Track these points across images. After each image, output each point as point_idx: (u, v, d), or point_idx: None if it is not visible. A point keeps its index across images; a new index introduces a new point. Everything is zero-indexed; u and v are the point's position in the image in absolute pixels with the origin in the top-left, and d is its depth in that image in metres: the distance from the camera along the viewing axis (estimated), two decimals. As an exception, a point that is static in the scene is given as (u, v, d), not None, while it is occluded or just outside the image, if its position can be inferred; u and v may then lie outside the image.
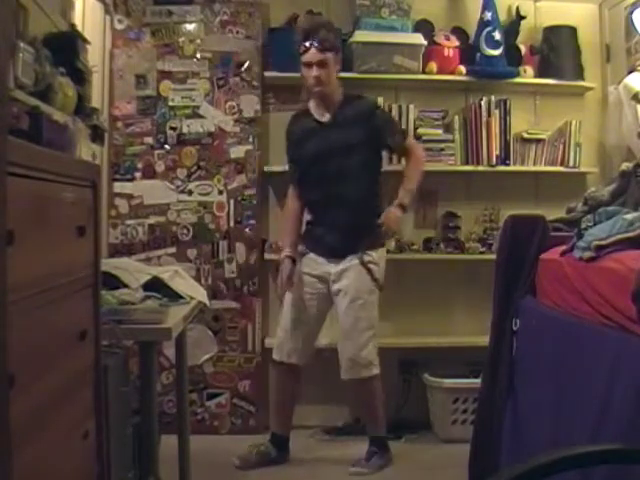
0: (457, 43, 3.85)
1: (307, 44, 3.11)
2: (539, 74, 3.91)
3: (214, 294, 3.64)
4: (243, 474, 3.23)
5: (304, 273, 3.29)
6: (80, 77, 2.44)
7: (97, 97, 3.15)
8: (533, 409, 2.31)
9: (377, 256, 3.25)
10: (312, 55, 3.12)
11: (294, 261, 3.28)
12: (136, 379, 2.22)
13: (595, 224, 2.22)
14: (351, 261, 3.21)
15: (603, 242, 2.03)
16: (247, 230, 3.75)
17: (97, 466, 1.72)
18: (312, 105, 3.32)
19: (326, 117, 3.26)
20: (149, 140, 3.73)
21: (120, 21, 3.70)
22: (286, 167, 3.49)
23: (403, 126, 3.76)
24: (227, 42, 3.75)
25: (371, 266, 3.20)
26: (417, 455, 3.46)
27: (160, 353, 3.51)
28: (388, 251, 3.77)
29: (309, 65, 3.14)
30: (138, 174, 3.72)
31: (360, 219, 3.21)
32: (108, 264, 2.33)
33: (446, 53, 3.82)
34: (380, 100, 3.77)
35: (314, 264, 3.28)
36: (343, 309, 3.22)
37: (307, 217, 3.42)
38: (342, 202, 3.19)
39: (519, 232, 2.51)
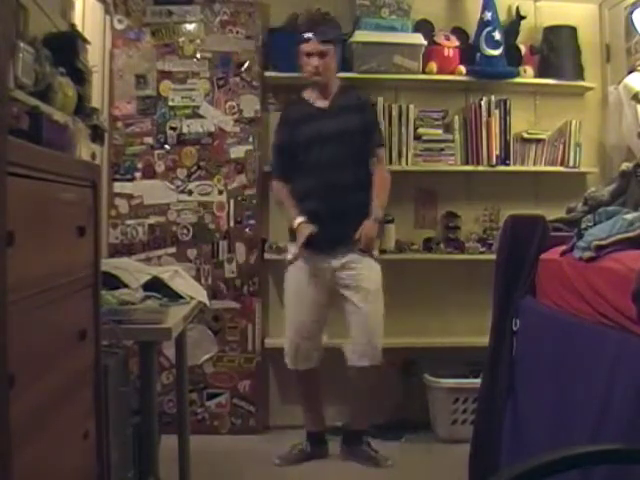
0: (457, 43, 3.85)
1: (309, 35, 3.22)
2: (539, 74, 3.91)
3: (214, 294, 3.64)
4: (243, 474, 3.23)
5: (306, 276, 3.28)
6: (80, 77, 2.44)
7: (97, 97, 3.15)
8: (533, 409, 2.31)
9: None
10: (313, 46, 3.23)
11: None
12: (136, 379, 2.22)
13: (595, 224, 2.21)
14: (352, 252, 3.25)
15: (603, 242, 2.03)
16: (247, 230, 3.75)
17: (97, 466, 1.72)
18: (307, 93, 3.39)
19: (324, 104, 3.34)
20: (149, 140, 3.73)
21: (120, 21, 3.70)
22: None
23: (403, 126, 3.78)
24: (227, 42, 3.75)
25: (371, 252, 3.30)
26: (417, 455, 3.46)
27: (160, 353, 3.51)
28: (388, 251, 3.79)
29: (309, 55, 3.25)
30: (138, 174, 3.72)
31: (358, 207, 3.28)
32: (108, 264, 2.33)
33: (446, 53, 3.82)
34: (380, 100, 3.78)
35: (313, 263, 3.28)
36: (358, 300, 3.26)
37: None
38: (340, 189, 3.24)
39: (519, 232, 2.50)
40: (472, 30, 3.87)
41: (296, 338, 3.31)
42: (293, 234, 3.33)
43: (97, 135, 2.80)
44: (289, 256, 3.35)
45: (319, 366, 3.39)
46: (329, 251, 3.26)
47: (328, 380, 3.48)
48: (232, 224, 3.75)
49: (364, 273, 3.28)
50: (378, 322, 3.30)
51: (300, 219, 3.24)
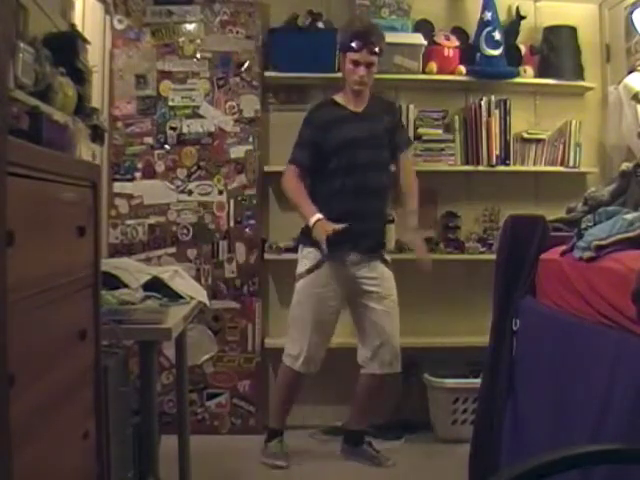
0: (457, 43, 3.85)
1: (361, 44, 3.20)
2: (539, 74, 3.91)
3: (214, 294, 3.64)
4: (242, 474, 3.23)
5: (325, 284, 3.22)
6: (80, 77, 2.44)
7: (97, 97, 3.15)
8: (533, 409, 2.31)
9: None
10: (364, 56, 3.22)
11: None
12: (136, 379, 2.22)
13: (595, 224, 2.21)
14: (375, 260, 3.28)
15: (603, 242, 2.03)
16: (247, 230, 3.75)
17: (97, 466, 1.72)
18: (341, 97, 3.37)
19: (358, 108, 3.34)
20: (149, 140, 3.73)
21: (120, 21, 3.70)
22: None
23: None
24: (227, 42, 3.75)
25: (388, 259, 3.36)
26: (417, 455, 3.46)
27: (160, 353, 3.51)
28: (388, 251, 3.78)
29: (357, 64, 3.23)
30: (138, 174, 3.72)
31: (385, 213, 3.37)
32: (108, 264, 2.33)
33: (446, 53, 3.82)
34: (380, 100, 3.77)
35: (334, 269, 3.22)
36: (384, 306, 3.28)
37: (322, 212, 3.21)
38: (372, 194, 3.24)
39: (519, 232, 2.50)
40: (472, 30, 3.87)
41: (316, 339, 3.25)
42: (306, 237, 3.23)
43: (97, 135, 2.80)
44: (304, 266, 3.25)
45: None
46: (353, 255, 3.23)
47: (328, 380, 3.49)
48: (232, 224, 3.75)
49: (386, 280, 3.30)
50: (398, 330, 3.33)
51: (318, 216, 3.14)
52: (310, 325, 3.25)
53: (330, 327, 3.32)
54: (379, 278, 3.28)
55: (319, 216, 3.14)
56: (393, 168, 3.41)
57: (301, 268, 3.27)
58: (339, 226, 3.09)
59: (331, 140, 3.24)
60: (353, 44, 3.20)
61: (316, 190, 3.28)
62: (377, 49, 3.23)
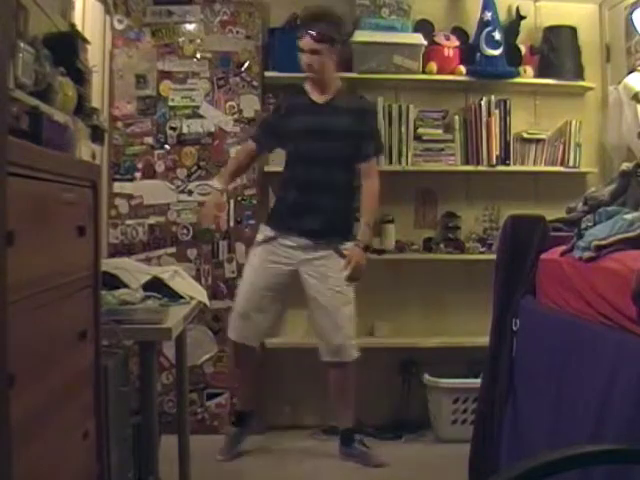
0: (457, 43, 3.85)
1: (303, 31, 3.26)
2: (539, 74, 3.91)
3: (214, 294, 3.64)
4: (242, 474, 3.23)
5: (268, 260, 3.30)
6: (80, 77, 2.44)
7: (97, 97, 3.15)
8: (533, 409, 2.31)
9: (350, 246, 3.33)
10: (305, 43, 3.25)
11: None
12: (136, 379, 2.22)
13: (595, 224, 2.22)
14: (326, 249, 3.27)
15: (603, 242, 2.03)
16: (247, 230, 3.75)
17: (97, 466, 1.72)
18: (308, 86, 3.40)
19: (320, 99, 3.35)
20: (149, 140, 3.73)
21: (120, 21, 3.70)
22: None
23: (403, 126, 3.77)
24: (227, 42, 3.75)
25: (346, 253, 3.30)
26: (417, 455, 3.46)
27: (160, 353, 3.51)
28: (388, 251, 3.79)
29: (302, 51, 3.28)
30: (138, 174, 3.72)
31: (342, 205, 3.32)
32: (108, 264, 2.33)
33: (446, 53, 3.82)
34: (380, 100, 3.77)
35: (283, 250, 3.30)
36: (326, 297, 3.27)
37: (279, 196, 3.46)
38: (328, 185, 3.26)
39: (519, 232, 2.51)
40: (472, 30, 3.87)
41: (245, 305, 3.32)
42: (267, 216, 3.43)
43: (97, 135, 2.81)
44: (260, 237, 3.37)
45: (259, 349, 3.43)
46: (299, 243, 3.28)
47: (328, 380, 3.48)
48: (232, 224, 3.75)
49: (332, 270, 3.27)
50: (346, 319, 3.29)
51: (218, 186, 3.36)
52: (242, 294, 3.35)
53: (265, 304, 3.31)
54: (323, 266, 3.27)
55: (217, 186, 3.38)
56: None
57: (254, 241, 3.42)
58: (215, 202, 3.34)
59: (287, 127, 3.34)
60: (299, 31, 3.28)
61: (281, 177, 3.42)
62: (321, 36, 3.22)
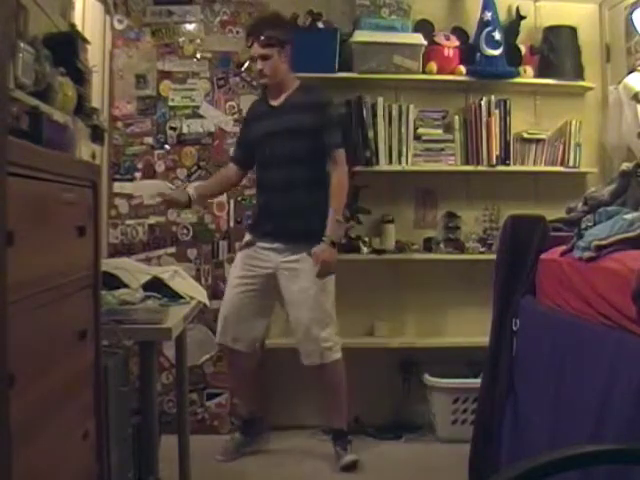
0: (457, 43, 3.85)
1: (251, 39, 3.28)
2: (539, 74, 3.91)
3: (214, 294, 3.64)
4: (242, 474, 3.23)
5: (249, 265, 3.33)
6: (80, 77, 2.44)
7: (97, 97, 3.15)
8: (533, 409, 2.31)
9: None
10: (255, 49, 3.27)
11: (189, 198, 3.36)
12: (136, 379, 2.22)
13: (595, 224, 2.22)
14: (300, 252, 3.24)
15: (603, 242, 2.03)
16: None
17: (97, 466, 1.72)
18: (267, 92, 3.43)
19: (276, 102, 3.35)
20: (149, 140, 3.73)
21: (120, 21, 3.70)
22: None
23: (403, 126, 3.77)
24: (227, 42, 3.75)
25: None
26: (417, 455, 3.46)
27: (160, 353, 3.51)
28: (388, 251, 3.79)
29: (253, 59, 3.32)
30: (138, 174, 3.72)
31: (310, 204, 3.26)
32: (108, 264, 2.33)
33: (446, 53, 3.82)
34: (380, 100, 3.77)
35: (260, 255, 3.31)
36: (296, 300, 3.25)
37: (256, 203, 3.50)
38: (293, 185, 3.25)
39: (519, 232, 2.51)
40: (472, 30, 3.87)
41: (228, 312, 3.33)
42: (249, 224, 3.51)
43: (97, 135, 2.80)
44: (242, 243, 3.42)
45: (250, 353, 3.38)
46: (273, 246, 3.28)
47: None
48: (232, 224, 3.75)
49: (304, 271, 3.22)
50: (318, 321, 3.24)
51: (192, 185, 3.44)
52: (226, 299, 3.37)
53: (247, 307, 3.32)
54: (298, 270, 3.25)
55: (192, 186, 3.44)
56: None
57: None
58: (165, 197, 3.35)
59: (251, 135, 3.38)
60: (247, 41, 3.30)
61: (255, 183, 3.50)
62: (269, 41, 3.21)
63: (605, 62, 4.02)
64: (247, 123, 3.46)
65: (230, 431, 3.66)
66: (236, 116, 3.75)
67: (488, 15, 3.78)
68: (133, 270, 2.39)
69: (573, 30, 3.91)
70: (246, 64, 3.73)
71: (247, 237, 3.40)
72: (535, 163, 3.92)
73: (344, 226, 3.52)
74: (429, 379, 3.68)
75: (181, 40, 3.74)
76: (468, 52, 3.83)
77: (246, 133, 3.44)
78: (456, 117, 3.86)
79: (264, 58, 3.24)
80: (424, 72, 3.79)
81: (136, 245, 3.70)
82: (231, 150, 3.72)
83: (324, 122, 3.27)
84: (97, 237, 1.72)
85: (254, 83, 3.75)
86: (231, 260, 3.72)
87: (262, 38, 3.22)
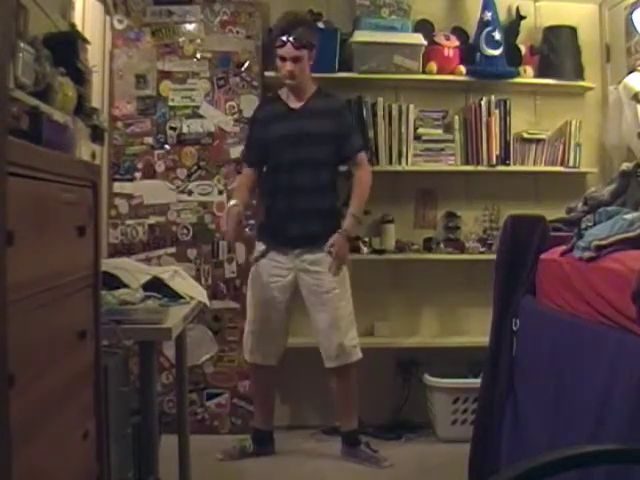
0: (457, 43, 3.85)
1: (284, 39, 3.22)
2: (539, 74, 3.91)
3: (214, 294, 3.64)
4: (242, 474, 3.23)
5: (272, 276, 3.31)
6: (80, 77, 2.44)
7: (97, 97, 3.15)
8: (533, 409, 2.31)
9: None
10: (287, 50, 3.23)
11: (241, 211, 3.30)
12: (136, 379, 2.22)
13: (595, 224, 2.22)
14: (318, 253, 3.25)
15: (603, 242, 2.03)
16: (247, 230, 3.75)
17: (97, 466, 1.72)
18: (284, 93, 3.40)
19: (297, 105, 3.35)
20: (149, 140, 3.73)
21: (120, 21, 3.70)
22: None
23: (403, 126, 3.77)
24: (227, 42, 3.75)
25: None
26: (417, 455, 3.46)
27: (160, 353, 3.51)
28: (388, 251, 3.79)
29: (283, 59, 3.26)
30: (138, 174, 3.72)
31: (327, 208, 3.32)
32: (108, 264, 2.33)
33: (446, 53, 3.82)
34: (380, 100, 3.77)
35: (277, 262, 3.31)
36: (322, 301, 3.27)
37: (265, 208, 3.41)
38: (312, 190, 3.27)
39: (519, 232, 2.51)
40: (472, 30, 3.87)
41: (258, 329, 3.32)
42: (259, 232, 3.43)
43: (97, 135, 2.80)
44: (256, 254, 3.37)
45: (277, 366, 3.39)
46: (292, 251, 3.28)
47: (329, 380, 3.48)
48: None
49: (326, 272, 3.26)
50: (344, 321, 3.29)
51: (234, 202, 3.29)
52: (254, 314, 3.34)
53: (276, 319, 3.33)
54: (320, 272, 3.27)
55: (231, 202, 3.30)
56: (343, 168, 3.44)
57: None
58: (237, 212, 3.22)
59: (267, 137, 3.33)
60: (278, 40, 3.26)
61: (262, 187, 3.43)
62: (302, 43, 3.22)
63: (605, 62, 4.02)
64: (262, 124, 3.37)
65: (230, 432, 3.66)
66: (236, 116, 3.75)
67: (488, 15, 3.78)
68: (133, 270, 2.39)
69: (573, 30, 3.91)
70: (246, 64, 3.73)
71: (260, 246, 3.36)
72: (535, 163, 3.92)
73: (359, 226, 3.51)
74: (429, 379, 3.68)
75: (181, 40, 3.73)
76: (468, 52, 3.84)
77: (261, 134, 3.36)
78: (456, 117, 3.87)
79: (296, 60, 3.24)
80: (424, 72, 3.79)
81: (136, 245, 3.70)
82: (231, 150, 3.73)
83: (344, 128, 3.34)
84: (97, 237, 1.72)
85: (254, 83, 3.75)
86: (231, 260, 3.73)
87: (296, 39, 3.21)
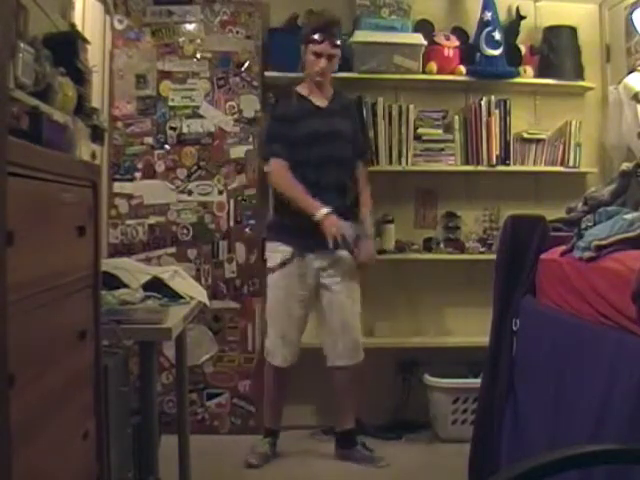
0: (457, 43, 3.85)
1: (322, 37, 3.27)
2: (539, 74, 3.91)
3: (214, 294, 3.64)
4: (243, 474, 3.23)
5: (297, 275, 3.31)
6: (80, 77, 2.43)
7: (97, 97, 3.15)
8: (533, 409, 2.31)
9: None
10: (325, 48, 3.29)
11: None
12: (136, 379, 2.22)
13: (595, 224, 2.22)
14: (333, 252, 3.26)
15: (603, 242, 2.03)
16: (247, 230, 3.75)
17: (97, 466, 1.72)
18: (305, 89, 3.41)
19: (322, 102, 3.39)
20: (149, 140, 3.73)
21: (120, 21, 3.70)
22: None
23: (403, 126, 3.77)
24: (227, 42, 3.75)
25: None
26: (417, 455, 3.46)
27: (160, 353, 3.51)
28: (388, 251, 3.79)
29: (319, 55, 3.29)
30: (138, 174, 3.72)
31: (348, 205, 3.37)
32: (108, 264, 2.33)
33: (446, 53, 3.82)
34: (380, 100, 3.78)
35: (302, 268, 3.31)
36: (339, 299, 3.31)
37: (285, 206, 3.32)
38: (338, 187, 3.33)
39: (519, 232, 2.51)
40: (472, 30, 3.87)
41: (286, 332, 3.33)
42: (272, 232, 3.38)
43: (97, 135, 2.80)
44: (274, 261, 3.32)
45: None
46: (314, 250, 3.28)
47: (328, 380, 3.48)
48: (232, 224, 3.75)
49: (345, 271, 3.31)
50: (357, 319, 3.36)
51: (325, 210, 3.17)
52: (284, 318, 3.34)
53: (302, 320, 3.37)
54: (336, 269, 3.30)
55: (326, 210, 3.18)
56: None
57: (272, 262, 3.34)
58: (346, 229, 3.18)
59: (296, 133, 3.31)
60: (315, 36, 3.28)
61: None
62: (338, 42, 3.32)
63: (605, 62, 4.02)
64: (291, 120, 3.31)
65: (230, 432, 3.66)
66: (236, 116, 3.75)
67: (488, 15, 3.78)
68: (133, 270, 2.39)
69: (573, 30, 3.91)
70: (246, 64, 3.73)
71: (282, 249, 3.29)
72: (535, 163, 3.92)
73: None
74: (429, 379, 3.68)
75: (181, 40, 3.74)
76: (468, 52, 3.84)
77: (292, 131, 3.29)
78: (456, 117, 3.87)
79: (330, 58, 3.30)
80: (424, 72, 3.79)
81: (136, 245, 3.70)
82: (231, 150, 3.73)
83: (358, 126, 3.47)
84: (97, 237, 1.72)
85: (254, 83, 3.75)
86: (231, 260, 3.73)
87: (334, 38, 3.28)
